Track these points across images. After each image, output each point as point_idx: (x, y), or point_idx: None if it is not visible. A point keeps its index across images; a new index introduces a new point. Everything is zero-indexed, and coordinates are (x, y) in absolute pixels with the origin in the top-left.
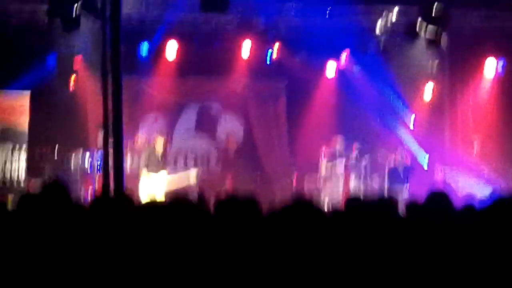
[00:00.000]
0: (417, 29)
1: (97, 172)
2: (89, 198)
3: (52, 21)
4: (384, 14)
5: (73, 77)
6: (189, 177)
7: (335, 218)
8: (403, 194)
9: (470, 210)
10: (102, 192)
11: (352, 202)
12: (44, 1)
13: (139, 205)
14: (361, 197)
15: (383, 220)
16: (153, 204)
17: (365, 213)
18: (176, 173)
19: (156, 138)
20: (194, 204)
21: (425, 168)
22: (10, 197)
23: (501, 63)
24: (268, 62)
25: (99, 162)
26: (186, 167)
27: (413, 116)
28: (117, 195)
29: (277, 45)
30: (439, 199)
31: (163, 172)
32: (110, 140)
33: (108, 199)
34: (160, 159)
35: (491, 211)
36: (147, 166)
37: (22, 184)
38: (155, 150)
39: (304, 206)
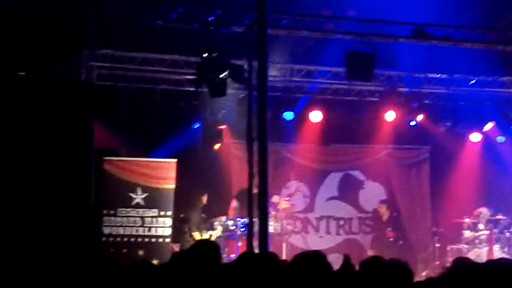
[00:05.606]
0: None
1: (240, 238)
2: None
3: (198, 88)
4: None
5: (217, 145)
6: None
7: None
8: None
9: None
10: (247, 251)
11: None
12: (190, 68)
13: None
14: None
15: None
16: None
17: None
18: None
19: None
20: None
21: None
22: (155, 262)
23: None
24: (411, 129)
25: (242, 229)
26: (328, 232)
27: None
28: (263, 254)
29: (421, 116)
30: None
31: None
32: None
33: (254, 255)
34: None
35: None
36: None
37: (166, 249)
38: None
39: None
